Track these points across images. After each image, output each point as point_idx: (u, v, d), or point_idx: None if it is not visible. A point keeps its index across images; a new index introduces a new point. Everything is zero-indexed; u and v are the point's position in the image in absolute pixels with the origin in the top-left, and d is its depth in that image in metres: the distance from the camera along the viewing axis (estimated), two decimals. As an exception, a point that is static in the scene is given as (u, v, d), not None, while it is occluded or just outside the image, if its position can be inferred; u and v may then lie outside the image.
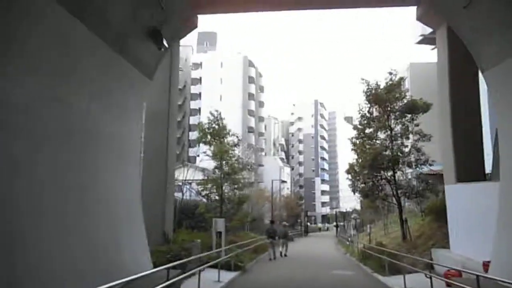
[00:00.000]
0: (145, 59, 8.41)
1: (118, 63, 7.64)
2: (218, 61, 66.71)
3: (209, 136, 18.20)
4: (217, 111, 18.68)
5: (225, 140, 18.78)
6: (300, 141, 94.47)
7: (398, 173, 16.98)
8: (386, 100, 15.90)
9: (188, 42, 74.60)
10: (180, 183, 22.82)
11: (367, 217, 38.64)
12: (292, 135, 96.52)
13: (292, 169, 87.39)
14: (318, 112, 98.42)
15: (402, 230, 16.33)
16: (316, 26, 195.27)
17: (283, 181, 53.58)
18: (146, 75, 8.59)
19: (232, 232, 22.31)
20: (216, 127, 18.21)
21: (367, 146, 16.44)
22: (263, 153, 72.73)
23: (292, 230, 43.45)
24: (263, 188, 47.91)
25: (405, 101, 15.86)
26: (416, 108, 15.64)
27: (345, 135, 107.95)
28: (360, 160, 16.00)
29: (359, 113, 17.20)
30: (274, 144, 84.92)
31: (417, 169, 15.74)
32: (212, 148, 18.32)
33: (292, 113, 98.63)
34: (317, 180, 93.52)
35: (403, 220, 16.39)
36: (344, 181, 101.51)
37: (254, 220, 35.54)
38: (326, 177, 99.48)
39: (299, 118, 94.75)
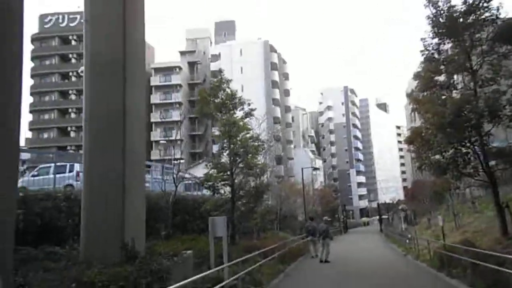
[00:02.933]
0: None
1: None
2: (237, 49, 62.17)
3: (212, 106, 13.41)
4: (221, 70, 13.90)
5: (236, 113, 13.97)
6: (331, 132, 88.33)
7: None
8: (467, 26, 10.47)
9: (206, 34, 71.13)
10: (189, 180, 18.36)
11: (419, 208, 32.68)
12: (322, 126, 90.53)
13: (324, 161, 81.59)
14: (348, 100, 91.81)
15: (502, 220, 10.83)
16: (342, 4, 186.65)
17: (316, 168, 48.13)
18: None
19: (255, 234, 17.50)
20: (222, 93, 13.39)
21: (442, 98, 11.06)
22: (292, 146, 67.59)
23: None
24: (294, 183, 42.85)
25: (496, 24, 10.36)
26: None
27: (378, 122, 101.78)
28: (433, 119, 10.54)
29: (422, 54, 11.85)
30: (303, 136, 79.56)
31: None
32: (218, 123, 13.60)
33: (321, 102, 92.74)
34: (352, 172, 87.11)
35: (501, 206, 10.89)
36: (381, 172, 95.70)
37: (285, 218, 30.75)
38: (362, 168, 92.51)
39: (329, 107, 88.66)
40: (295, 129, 72.67)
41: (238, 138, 12.72)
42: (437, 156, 11.21)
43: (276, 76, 62.14)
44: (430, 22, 11.20)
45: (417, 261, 14.33)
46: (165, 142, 56.97)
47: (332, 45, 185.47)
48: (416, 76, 12.00)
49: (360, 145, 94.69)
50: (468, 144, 10.61)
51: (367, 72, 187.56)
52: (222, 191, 13.16)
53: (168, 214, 12.02)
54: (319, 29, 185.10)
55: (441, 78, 11.51)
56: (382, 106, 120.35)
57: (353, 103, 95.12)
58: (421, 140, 11.34)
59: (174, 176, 12.36)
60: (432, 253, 12.95)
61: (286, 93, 67.15)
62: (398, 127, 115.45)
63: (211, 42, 71.48)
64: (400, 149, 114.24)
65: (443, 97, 11.16)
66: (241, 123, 13.80)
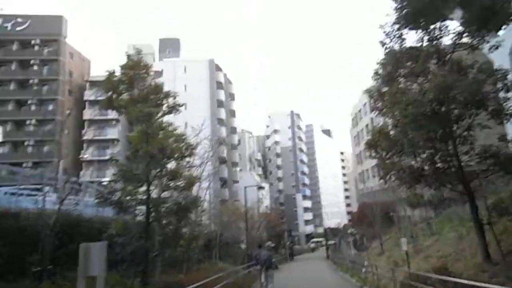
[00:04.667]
0: None
1: None
2: (181, 66, 59.25)
3: (126, 98, 10.24)
4: (139, 51, 10.93)
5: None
6: (277, 155, 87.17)
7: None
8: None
9: (149, 50, 67.51)
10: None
11: (367, 232, 31.04)
12: (269, 149, 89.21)
13: (271, 185, 79.52)
14: (295, 124, 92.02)
15: (483, 242, 8.74)
16: (289, 30, 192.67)
17: (261, 187, 45.46)
18: None
19: (184, 267, 14.07)
20: (141, 83, 10.29)
21: (414, 86, 8.97)
22: (238, 169, 64.78)
23: (275, 254, 34.97)
24: (238, 206, 39.62)
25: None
26: (495, 16, 8.42)
27: (323, 147, 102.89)
28: (405, 111, 8.22)
29: (383, 45, 9.87)
30: (250, 160, 77.40)
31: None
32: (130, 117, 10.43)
33: (268, 126, 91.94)
34: (299, 197, 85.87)
35: (481, 224, 8.83)
36: (326, 197, 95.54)
37: (227, 245, 27.42)
38: (308, 192, 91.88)
39: (275, 131, 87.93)
40: (241, 152, 70.32)
41: (155, 134, 9.61)
42: (407, 160, 8.99)
43: (222, 95, 59.78)
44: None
45: (379, 295, 11.87)
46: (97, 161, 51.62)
47: (280, 67, 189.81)
48: (382, 65, 9.90)
49: (306, 169, 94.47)
50: (448, 143, 8.48)
51: (311, 99, 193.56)
52: (132, 209, 9.79)
53: (48, 242, 8.41)
54: (267, 53, 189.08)
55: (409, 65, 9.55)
56: (326, 132, 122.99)
57: (299, 128, 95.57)
58: (387, 142, 9.07)
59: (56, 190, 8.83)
60: (399, 285, 10.54)
61: (232, 113, 64.84)
62: (342, 153, 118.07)
63: (154, 59, 67.98)
64: (344, 174, 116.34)
65: (415, 84, 9.13)
66: (165, 124, 10.78)
